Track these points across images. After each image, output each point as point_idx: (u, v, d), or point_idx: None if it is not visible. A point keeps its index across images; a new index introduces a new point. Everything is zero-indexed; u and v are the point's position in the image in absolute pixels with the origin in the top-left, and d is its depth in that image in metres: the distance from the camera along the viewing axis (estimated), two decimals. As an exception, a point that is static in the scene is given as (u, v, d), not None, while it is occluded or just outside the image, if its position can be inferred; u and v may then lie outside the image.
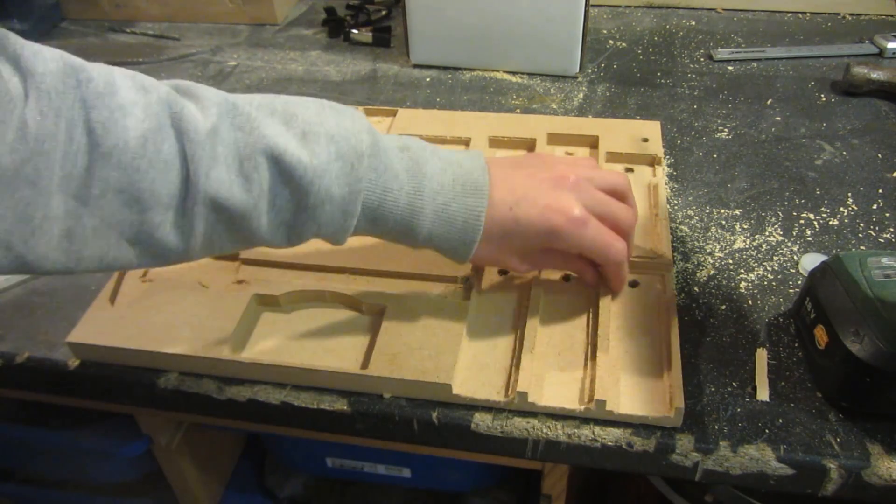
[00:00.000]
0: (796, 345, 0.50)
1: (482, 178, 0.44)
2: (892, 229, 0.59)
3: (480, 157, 0.46)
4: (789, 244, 0.58)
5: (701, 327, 0.51)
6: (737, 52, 0.84)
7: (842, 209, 0.61)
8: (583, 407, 0.45)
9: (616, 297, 0.51)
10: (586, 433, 0.45)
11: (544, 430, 0.45)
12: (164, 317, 0.51)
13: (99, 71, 0.36)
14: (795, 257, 0.57)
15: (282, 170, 0.39)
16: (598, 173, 0.48)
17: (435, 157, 0.44)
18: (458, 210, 0.43)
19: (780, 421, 0.45)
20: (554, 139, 0.67)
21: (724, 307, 0.53)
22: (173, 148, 0.37)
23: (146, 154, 0.36)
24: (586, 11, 0.76)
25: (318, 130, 0.40)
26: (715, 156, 0.68)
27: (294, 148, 0.39)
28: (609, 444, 0.44)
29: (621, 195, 0.48)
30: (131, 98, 0.36)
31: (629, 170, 0.64)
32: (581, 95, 0.79)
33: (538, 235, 0.45)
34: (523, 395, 0.45)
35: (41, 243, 0.35)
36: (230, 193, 0.38)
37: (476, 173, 0.44)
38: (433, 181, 0.43)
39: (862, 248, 0.57)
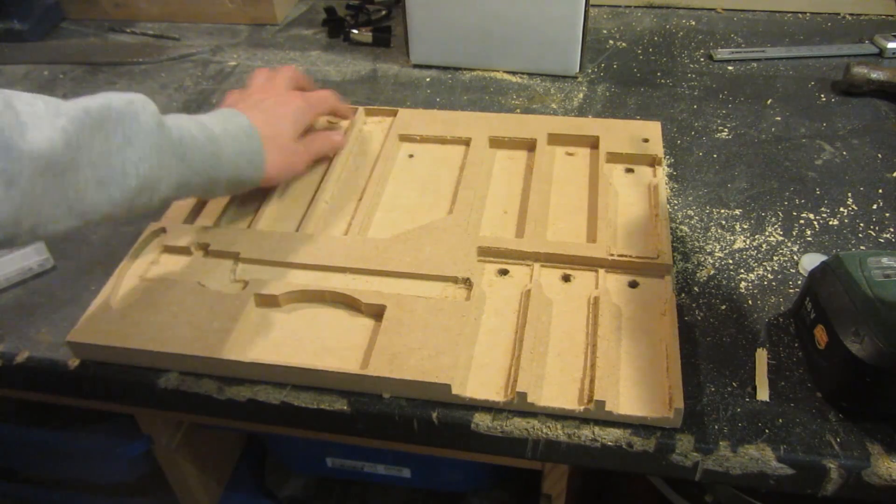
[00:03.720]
0: (796, 345, 0.50)
1: (231, 113, 0.56)
2: (892, 229, 0.59)
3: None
4: (789, 244, 0.58)
5: (701, 327, 0.51)
6: (737, 52, 0.84)
7: (842, 209, 0.61)
8: (582, 407, 0.45)
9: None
10: (586, 433, 0.45)
11: (544, 431, 0.45)
12: (163, 317, 0.51)
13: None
14: (795, 257, 0.57)
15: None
16: (275, 82, 0.64)
17: (191, 121, 0.52)
18: (234, 128, 0.54)
19: (780, 421, 0.45)
20: (554, 139, 0.67)
21: (724, 307, 0.53)
22: None
23: None
24: (586, 11, 0.76)
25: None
26: (715, 156, 0.68)
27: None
28: (609, 444, 0.44)
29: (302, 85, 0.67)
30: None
31: (629, 170, 0.64)
32: (581, 95, 0.79)
33: (294, 113, 0.60)
34: (523, 395, 0.45)
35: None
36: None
37: (226, 112, 0.56)
38: (216, 127, 0.53)
39: (862, 248, 0.57)
